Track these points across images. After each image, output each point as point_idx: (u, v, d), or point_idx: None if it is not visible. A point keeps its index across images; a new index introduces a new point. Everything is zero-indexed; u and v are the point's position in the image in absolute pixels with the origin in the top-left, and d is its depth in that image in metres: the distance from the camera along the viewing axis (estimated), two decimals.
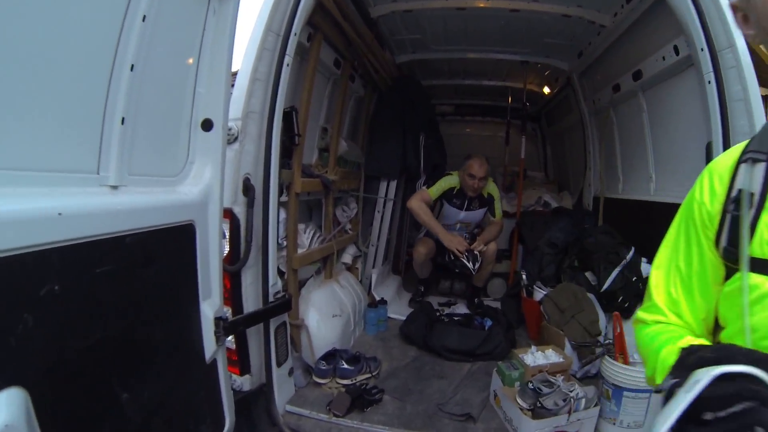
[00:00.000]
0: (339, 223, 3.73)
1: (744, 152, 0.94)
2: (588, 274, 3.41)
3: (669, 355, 0.91)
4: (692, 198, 1.02)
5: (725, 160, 0.98)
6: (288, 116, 2.61)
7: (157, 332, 1.42)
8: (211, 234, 1.67)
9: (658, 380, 0.92)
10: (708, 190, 0.98)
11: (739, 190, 0.91)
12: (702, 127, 2.48)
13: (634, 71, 3.34)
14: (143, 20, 1.30)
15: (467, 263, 3.93)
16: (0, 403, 0.89)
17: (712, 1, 2.23)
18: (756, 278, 0.84)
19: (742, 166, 0.92)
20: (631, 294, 3.03)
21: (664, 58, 2.90)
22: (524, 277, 3.90)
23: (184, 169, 1.63)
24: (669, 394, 0.80)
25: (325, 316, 3.05)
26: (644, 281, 3.00)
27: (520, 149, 5.03)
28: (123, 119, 1.28)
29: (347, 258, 3.91)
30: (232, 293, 2.14)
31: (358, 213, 4.08)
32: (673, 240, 1.08)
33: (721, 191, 0.95)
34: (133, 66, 1.29)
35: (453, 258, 4.02)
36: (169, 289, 1.49)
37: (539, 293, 3.57)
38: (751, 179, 0.90)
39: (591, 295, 3.19)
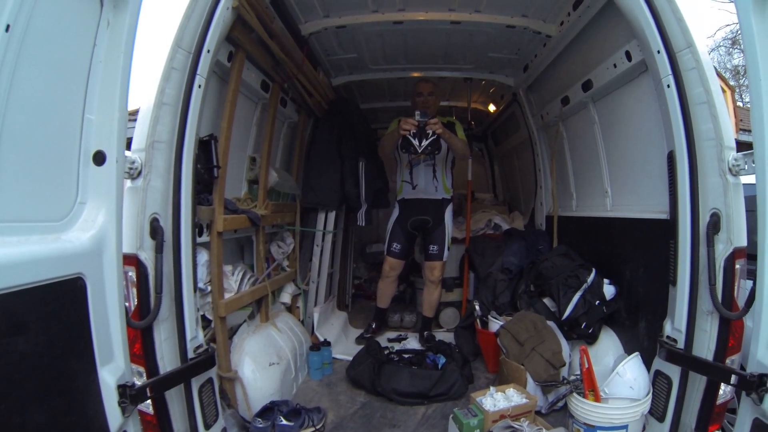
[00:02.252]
0: (274, 260, 3.41)
1: None
2: (547, 301, 3.20)
3: None
4: None
5: None
6: (206, 145, 2.35)
7: (40, 414, 1.23)
8: (108, 287, 1.49)
9: None
10: None
11: None
12: (660, 135, 2.32)
13: (584, 81, 3.19)
14: (6, 30, 1.13)
15: (413, 140, 3.40)
16: None
17: (667, 0, 2.07)
18: None
19: None
20: (594, 319, 2.81)
21: (615, 66, 2.74)
22: (477, 307, 3.67)
23: (72, 211, 1.43)
24: None
25: (260, 365, 2.77)
26: (608, 304, 2.81)
27: (467, 171, 4.84)
28: None
29: (286, 297, 3.58)
30: (145, 352, 1.87)
31: (296, 248, 3.77)
32: None
33: None
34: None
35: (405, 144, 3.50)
36: (53, 358, 1.28)
37: (495, 324, 3.32)
38: None
39: (551, 323, 2.96)
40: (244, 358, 2.68)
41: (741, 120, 11.24)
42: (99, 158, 1.47)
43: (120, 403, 1.48)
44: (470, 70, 4.35)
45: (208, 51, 2.07)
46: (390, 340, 4.03)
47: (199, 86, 2.04)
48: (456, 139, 3.71)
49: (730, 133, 1.94)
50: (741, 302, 1.90)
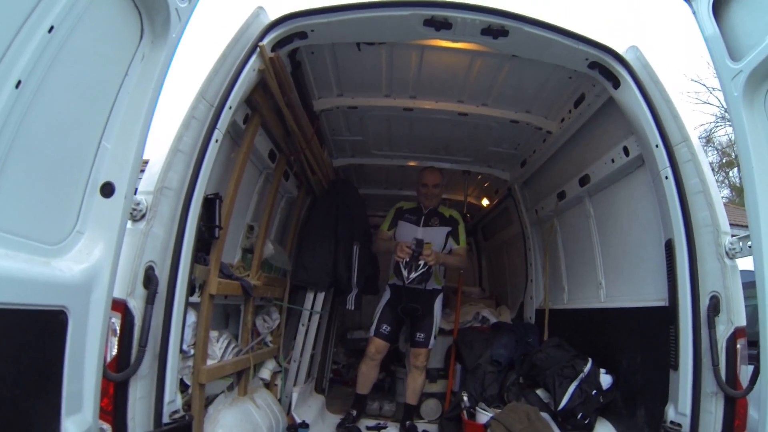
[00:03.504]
0: (259, 334, 3.35)
1: None
2: (539, 392, 3.14)
3: None
4: None
5: None
6: (210, 203, 2.36)
7: None
8: (91, 328, 1.37)
9: None
10: None
11: None
12: (655, 225, 2.44)
13: (581, 176, 3.36)
14: (49, 31, 1.11)
15: (403, 270, 3.48)
16: None
17: (663, 98, 2.29)
18: None
19: None
20: (591, 409, 2.79)
21: (613, 161, 2.93)
22: (465, 398, 3.55)
23: (67, 239, 1.34)
24: None
25: None
26: (605, 394, 2.75)
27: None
28: None
29: (265, 373, 3.45)
30: (115, 408, 1.73)
31: (281, 325, 3.69)
32: None
33: None
34: (20, 83, 1.06)
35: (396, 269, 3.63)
36: (16, 393, 1.14)
37: (483, 415, 3.22)
38: None
39: (545, 414, 2.87)
40: (218, 431, 2.51)
41: None
42: (107, 190, 1.43)
43: None
44: (469, 163, 4.57)
45: (230, 107, 2.17)
46: (369, 428, 3.84)
47: (216, 140, 2.10)
48: (452, 258, 3.89)
49: (725, 219, 2.07)
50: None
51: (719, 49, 1.81)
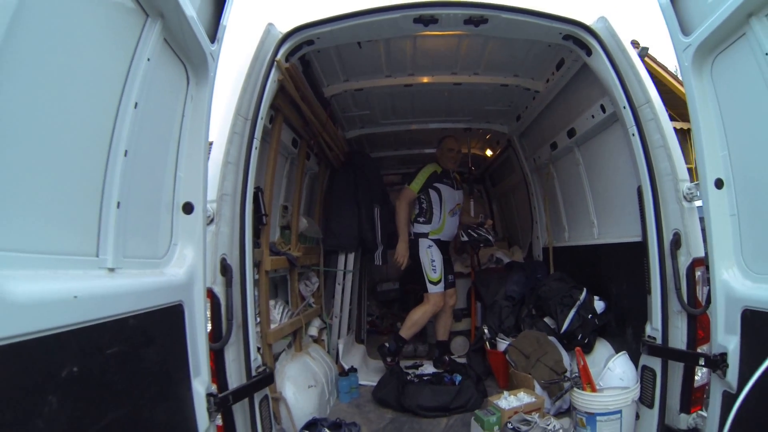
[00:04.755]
0: (303, 297, 3.81)
1: None
2: (546, 320, 3.62)
3: None
4: None
5: None
6: (255, 197, 2.70)
7: (158, 413, 1.44)
8: (197, 313, 1.73)
9: None
10: None
11: None
12: (631, 172, 2.79)
13: (569, 129, 3.72)
14: (135, 107, 1.41)
15: (486, 235, 4.56)
16: None
17: (629, 65, 2.60)
18: None
19: None
20: (588, 330, 3.24)
21: (593, 116, 3.28)
22: (486, 331, 4.04)
23: (169, 250, 1.69)
24: None
25: (301, 387, 3.09)
26: (599, 317, 3.23)
27: (470, 211, 5.30)
28: (119, 203, 1.35)
29: (313, 331, 3.95)
30: (217, 370, 2.14)
31: (320, 287, 4.19)
32: None
33: None
34: (126, 152, 1.38)
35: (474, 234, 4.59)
36: (165, 368, 1.51)
37: (502, 344, 3.71)
38: None
39: (552, 338, 3.38)
40: (286, 381, 2.98)
41: None
42: (187, 208, 1.76)
43: (208, 409, 1.71)
44: (469, 121, 4.91)
45: (261, 118, 2.51)
46: (407, 368, 4.34)
47: (255, 148, 2.45)
48: None
49: (683, 168, 2.43)
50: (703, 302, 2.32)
51: (673, 24, 2.09)
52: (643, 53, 9.47)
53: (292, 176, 3.73)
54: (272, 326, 2.99)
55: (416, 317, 4.30)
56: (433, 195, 4.36)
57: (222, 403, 1.88)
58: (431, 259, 4.30)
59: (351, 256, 4.59)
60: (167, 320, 1.56)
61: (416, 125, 4.90)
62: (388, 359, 4.23)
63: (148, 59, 1.45)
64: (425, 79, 3.82)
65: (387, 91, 4.03)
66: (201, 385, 1.69)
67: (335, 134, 4.24)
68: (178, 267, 1.70)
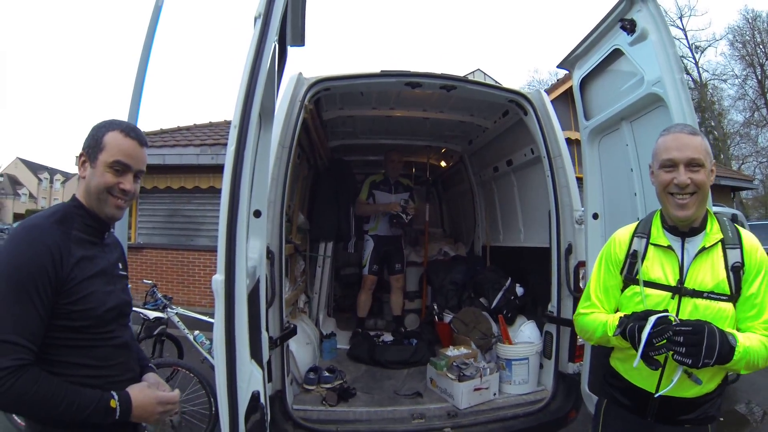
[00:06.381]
0: (296, 277, 4.76)
1: (635, 232, 1.92)
2: (482, 300, 4.79)
3: (613, 321, 1.79)
4: (608, 251, 1.97)
5: (624, 234, 1.95)
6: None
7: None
8: (261, 285, 2.49)
9: (611, 333, 1.77)
10: (617, 247, 1.94)
11: (635, 250, 1.89)
12: (547, 199, 3.84)
13: (507, 159, 4.85)
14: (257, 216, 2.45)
15: (401, 214, 5.29)
16: None
17: (551, 127, 3.67)
18: (645, 289, 1.82)
19: (635, 239, 1.91)
20: (511, 308, 4.40)
21: (525, 155, 4.42)
22: (435, 307, 5.18)
23: (249, 242, 2.23)
24: (627, 332, 1.68)
25: (301, 343, 3.97)
26: (520, 299, 4.44)
27: (425, 213, 6.24)
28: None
29: (301, 303, 4.81)
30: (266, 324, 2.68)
31: (305, 269, 5.15)
32: (597, 271, 2.00)
33: (623, 249, 1.92)
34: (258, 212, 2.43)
35: (394, 216, 5.37)
36: (253, 315, 2.07)
37: (448, 317, 4.84)
38: (639, 246, 1.89)
39: (485, 313, 4.54)
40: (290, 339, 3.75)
41: None
42: (257, 213, 2.48)
43: (270, 347, 2.51)
44: (430, 140, 5.97)
45: (294, 146, 3.31)
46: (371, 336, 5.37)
47: (289, 168, 3.29)
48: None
49: (578, 201, 3.52)
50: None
51: (581, 112, 3.14)
52: None
53: (295, 182, 4.61)
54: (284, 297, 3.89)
55: (360, 299, 5.57)
56: (370, 200, 5.54)
57: (274, 343, 2.77)
58: (365, 250, 5.60)
59: (330, 245, 5.55)
60: (256, 286, 2.44)
61: (387, 140, 5.85)
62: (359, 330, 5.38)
63: None
64: (401, 113, 4.84)
65: (370, 118, 5.03)
66: (266, 332, 2.44)
67: (325, 146, 5.23)
68: (253, 253, 2.49)
